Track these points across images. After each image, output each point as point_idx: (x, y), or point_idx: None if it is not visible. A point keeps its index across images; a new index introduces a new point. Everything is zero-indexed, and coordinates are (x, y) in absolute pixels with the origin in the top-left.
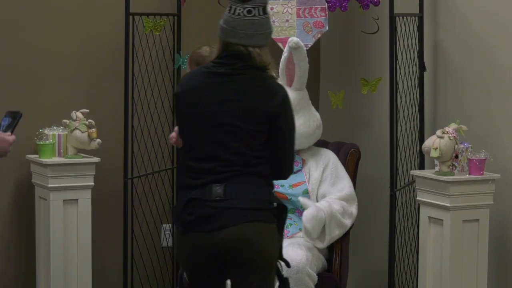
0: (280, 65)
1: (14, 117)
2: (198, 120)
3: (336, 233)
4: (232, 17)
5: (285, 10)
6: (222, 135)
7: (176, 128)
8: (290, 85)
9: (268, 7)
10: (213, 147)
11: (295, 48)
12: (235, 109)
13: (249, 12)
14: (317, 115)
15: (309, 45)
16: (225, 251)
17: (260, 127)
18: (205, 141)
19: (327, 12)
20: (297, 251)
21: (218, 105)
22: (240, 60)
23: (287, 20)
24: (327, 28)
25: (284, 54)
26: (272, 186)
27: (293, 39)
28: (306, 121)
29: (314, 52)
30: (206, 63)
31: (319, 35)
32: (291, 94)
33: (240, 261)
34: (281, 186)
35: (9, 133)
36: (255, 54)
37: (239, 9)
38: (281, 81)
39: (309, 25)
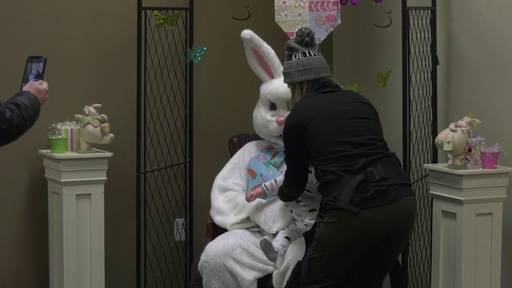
0: (250, 64)
1: (40, 64)
2: (334, 119)
3: None
4: (312, 58)
5: (297, 4)
6: (358, 126)
7: (259, 189)
8: (272, 77)
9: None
10: (353, 135)
11: (248, 39)
12: (357, 107)
13: (318, 51)
14: None
15: (322, 39)
16: (398, 222)
17: (377, 120)
18: (346, 133)
19: (339, 6)
20: None
21: (344, 105)
22: (331, 82)
23: (300, 14)
24: (339, 21)
25: (247, 52)
26: None
27: (244, 31)
28: None
29: (326, 46)
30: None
31: (331, 29)
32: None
33: (404, 231)
34: None
35: (40, 81)
36: (335, 81)
37: (312, 51)
38: (263, 79)
39: (321, 19)
